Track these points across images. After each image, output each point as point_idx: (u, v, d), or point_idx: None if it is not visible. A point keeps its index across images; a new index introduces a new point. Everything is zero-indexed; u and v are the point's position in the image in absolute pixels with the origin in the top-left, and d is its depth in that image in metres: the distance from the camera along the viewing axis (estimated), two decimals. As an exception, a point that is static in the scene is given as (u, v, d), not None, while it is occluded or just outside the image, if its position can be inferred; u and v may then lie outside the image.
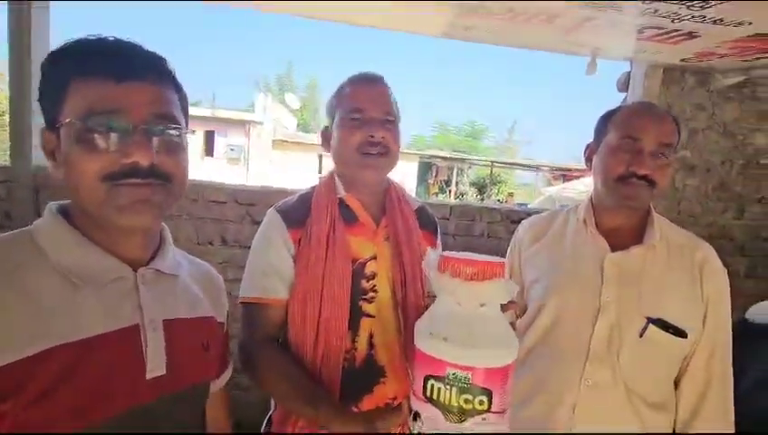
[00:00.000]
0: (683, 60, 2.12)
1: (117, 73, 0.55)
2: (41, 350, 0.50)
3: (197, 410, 0.69)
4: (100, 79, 0.54)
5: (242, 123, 13.70)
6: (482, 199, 14.94)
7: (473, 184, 17.97)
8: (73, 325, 0.53)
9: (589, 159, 1.07)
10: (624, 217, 1.02)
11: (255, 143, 13.59)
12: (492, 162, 15.33)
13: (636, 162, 0.93)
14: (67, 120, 0.54)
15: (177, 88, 0.63)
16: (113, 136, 0.54)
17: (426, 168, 16.24)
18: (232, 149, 13.49)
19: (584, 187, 7.27)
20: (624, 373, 0.93)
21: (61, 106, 0.55)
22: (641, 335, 0.92)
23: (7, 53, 1.99)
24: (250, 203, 2.09)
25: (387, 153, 0.90)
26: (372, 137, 0.88)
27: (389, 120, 0.91)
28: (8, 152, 2.06)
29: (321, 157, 14.51)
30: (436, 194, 15.52)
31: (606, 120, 1.02)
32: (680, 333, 0.92)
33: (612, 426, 0.94)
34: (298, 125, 18.20)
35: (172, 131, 0.59)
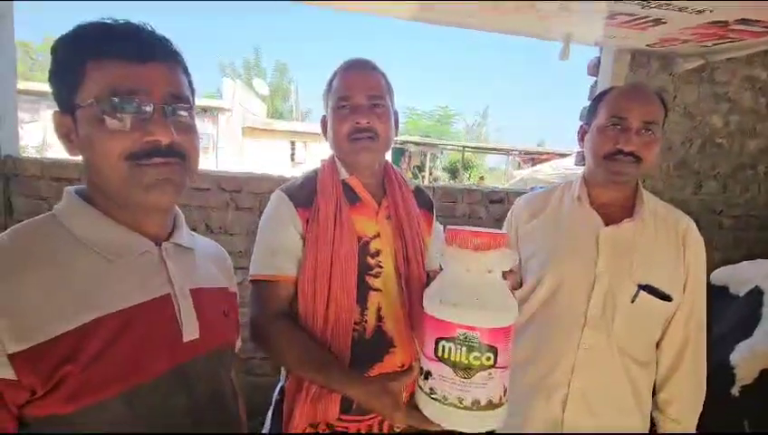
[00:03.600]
0: (648, 45, 2.24)
1: (139, 54, 0.56)
2: (90, 319, 0.54)
3: (228, 369, 0.74)
4: (122, 60, 0.56)
5: (210, 110, 13.20)
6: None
7: (445, 169, 18.19)
8: (114, 297, 0.57)
9: (581, 139, 1.14)
10: (614, 192, 1.09)
11: (224, 131, 13.15)
12: (463, 147, 15.53)
13: (623, 140, 1.00)
14: (89, 102, 0.55)
15: (185, 69, 0.65)
16: (135, 116, 0.56)
17: (399, 153, 16.26)
18: (200, 138, 12.97)
19: (552, 169, 7.50)
20: (617, 336, 1.02)
21: (77, 88, 0.56)
22: (633, 301, 1.01)
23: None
24: (233, 189, 2.07)
25: (375, 138, 0.92)
26: (358, 123, 0.91)
27: (377, 105, 0.93)
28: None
29: (293, 144, 14.25)
30: (410, 179, 15.57)
31: (596, 102, 1.09)
32: (666, 298, 1.01)
33: (605, 383, 1.03)
34: (268, 111, 17.72)
35: (185, 112, 0.61)
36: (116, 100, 0.55)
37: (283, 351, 0.86)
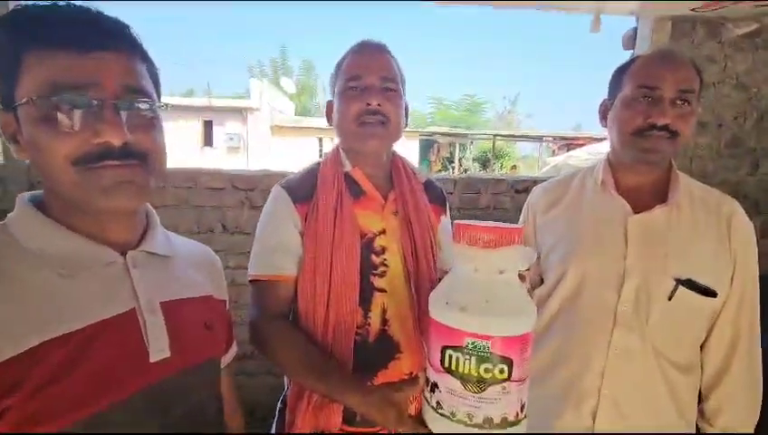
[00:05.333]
0: (693, 9, 2.02)
1: (81, 43, 0.49)
2: (37, 343, 0.48)
3: (211, 390, 0.67)
4: (61, 49, 0.49)
5: (239, 111, 13.53)
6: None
7: (475, 159, 17.77)
8: (67, 316, 0.51)
9: (604, 117, 1.01)
10: (644, 174, 0.97)
11: (253, 130, 13.45)
12: (494, 136, 15.10)
13: (654, 112, 0.88)
14: (25, 99, 0.49)
15: (145, 57, 0.57)
16: (81, 113, 0.50)
17: (427, 145, 16.03)
18: (231, 138, 13.37)
19: (588, 155, 7.12)
20: (653, 337, 0.90)
21: (15, 82, 0.50)
22: (670, 298, 0.89)
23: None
24: (248, 188, 2.05)
25: (386, 122, 0.86)
26: (369, 105, 0.84)
27: (389, 89, 0.86)
28: (1, 150, 2.02)
29: (320, 140, 14.37)
30: (439, 171, 15.36)
31: (621, 73, 0.97)
32: (710, 293, 0.89)
33: (641, 391, 0.92)
34: (296, 109, 17.97)
35: (144, 105, 0.54)
36: (57, 96, 0.48)
37: (282, 356, 0.81)
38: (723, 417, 0.93)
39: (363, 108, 0.85)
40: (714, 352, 0.93)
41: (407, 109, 0.95)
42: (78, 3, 0.53)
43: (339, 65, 0.91)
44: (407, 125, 0.95)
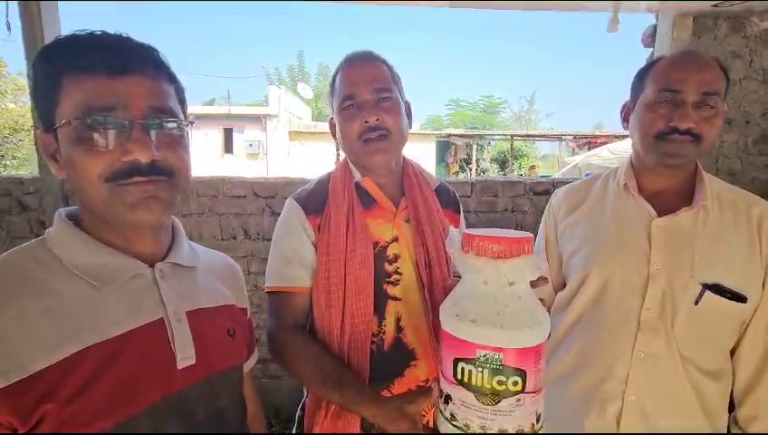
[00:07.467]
0: (715, 4, 1.96)
1: (111, 68, 0.53)
2: (71, 353, 0.51)
3: (234, 395, 0.70)
4: (94, 75, 0.53)
5: (258, 118, 13.78)
6: (504, 175, 14.59)
7: (493, 160, 17.56)
8: (100, 326, 0.54)
9: (626, 119, 1.00)
10: (668, 177, 0.95)
11: (272, 136, 13.66)
12: (512, 136, 14.89)
13: (677, 116, 0.86)
14: (64, 121, 0.53)
15: (172, 79, 0.61)
16: (112, 133, 0.53)
17: (444, 147, 15.93)
18: (250, 145, 13.62)
19: (610, 153, 6.95)
20: (679, 343, 0.88)
21: (55, 106, 0.54)
22: (697, 303, 0.87)
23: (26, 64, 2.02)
24: (269, 195, 2.10)
25: (388, 135, 0.86)
26: (367, 122, 0.85)
27: (384, 98, 0.87)
28: (36, 165, 2.13)
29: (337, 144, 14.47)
30: (457, 174, 15.25)
31: (642, 75, 0.95)
32: (739, 298, 0.86)
33: (667, 397, 0.90)
34: (313, 114, 18.16)
35: (171, 125, 0.58)
36: (92, 118, 0.52)
37: (298, 367, 0.83)
38: (758, 424, 0.90)
39: (363, 126, 0.85)
40: (747, 358, 0.91)
41: (408, 107, 0.96)
42: (111, 30, 0.57)
43: (332, 83, 0.93)
44: (411, 125, 0.96)
